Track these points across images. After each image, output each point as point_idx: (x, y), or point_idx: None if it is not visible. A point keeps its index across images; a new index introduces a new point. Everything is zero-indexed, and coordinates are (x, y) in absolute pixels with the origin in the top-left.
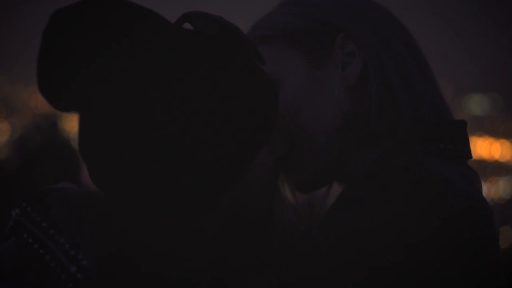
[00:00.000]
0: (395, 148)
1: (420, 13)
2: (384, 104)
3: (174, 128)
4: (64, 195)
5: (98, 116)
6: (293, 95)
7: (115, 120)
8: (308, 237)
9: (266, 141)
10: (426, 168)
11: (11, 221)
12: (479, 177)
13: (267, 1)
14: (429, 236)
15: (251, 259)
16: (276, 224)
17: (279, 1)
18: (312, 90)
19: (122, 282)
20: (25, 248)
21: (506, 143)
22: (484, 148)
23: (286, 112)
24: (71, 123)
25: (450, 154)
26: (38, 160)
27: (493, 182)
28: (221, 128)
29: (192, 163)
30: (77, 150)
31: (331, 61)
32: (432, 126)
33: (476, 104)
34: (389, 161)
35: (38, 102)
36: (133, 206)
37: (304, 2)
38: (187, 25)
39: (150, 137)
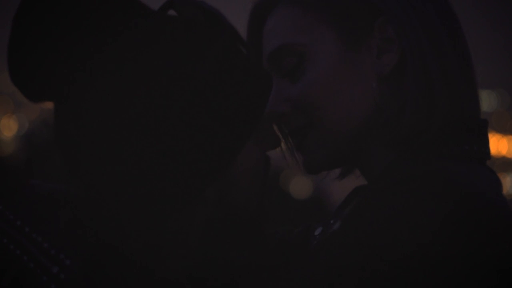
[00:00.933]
0: (420, 148)
1: None
2: (420, 102)
3: (152, 117)
4: (37, 191)
5: (76, 106)
6: (321, 74)
7: (93, 110)
8: (318, 239)
9: (251, 131)
10: (458, 179)
11: None
12: (500, 180)
13: None
14: (460, 251)
15: (245, 259)
16: (270, 222)
17: None
18: (342, 73)
19: (109, 281)
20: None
21: None
22: (491, 144)
23: (309, 90)
24: None
25: (473, 156)
26: (45, 156)
27: (501, 178)
28: (202, 117)
29: (172, 154)
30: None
31: (367, 45)
32: (461, 127)
33: (483, 100)
34: (418, 167)
35: None
36: (113, 200)
37: None
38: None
39: (129, 127)
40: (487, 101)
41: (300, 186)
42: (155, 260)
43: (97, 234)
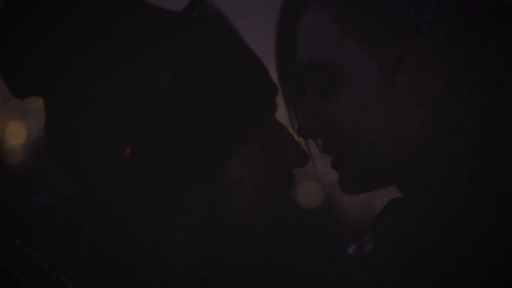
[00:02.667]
0: (450, 163)
1: None
2: (473, 126)
3: (149, 116)
4: (33, 205)
5: (66, 101)
6: (357, 97)
7: (84, 105)
8: (351, 258)
9: (239, 139)
10: (497, 201)
11: None
12: None
13: None
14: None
15: (245, 261)
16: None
17: None
18: (379, 98)
19: (109, 283)
20: None
21: None
22: None
23: (343, 113)
24: None
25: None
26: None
27: None
28: (198, 122)
29: (152, 157)
30: None
31: (409, 66)
32: (501, 142)
33: None
34: (453, 187)
35: None
36: (100, 199)
37: None
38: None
39: (125, 123)
40: None
41: (309, 192)
42: (155, 261)
43: (96, 234)
